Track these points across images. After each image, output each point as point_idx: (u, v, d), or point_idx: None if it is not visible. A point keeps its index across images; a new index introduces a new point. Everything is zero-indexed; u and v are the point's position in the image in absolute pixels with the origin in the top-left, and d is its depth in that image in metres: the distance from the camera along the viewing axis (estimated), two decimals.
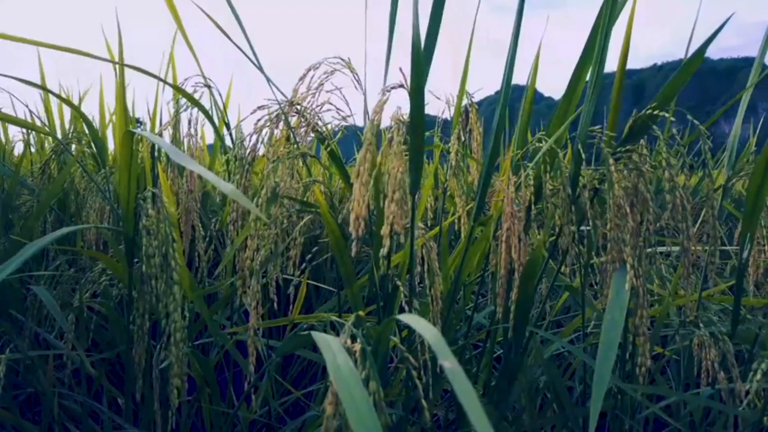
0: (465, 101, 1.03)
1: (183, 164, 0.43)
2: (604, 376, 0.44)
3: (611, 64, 0.65)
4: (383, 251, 0.48)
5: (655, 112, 0.60)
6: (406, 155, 0.55)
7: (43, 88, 0.76)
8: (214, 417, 0.85)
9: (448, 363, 0.29)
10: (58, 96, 0.89)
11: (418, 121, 0.54)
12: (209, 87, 1.04)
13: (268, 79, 0.73)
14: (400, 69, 0.57)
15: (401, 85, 0.58)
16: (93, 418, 0.96)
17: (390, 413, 0.67)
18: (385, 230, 0.48)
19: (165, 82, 0.86)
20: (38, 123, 1.34)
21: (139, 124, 1.58)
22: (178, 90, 0.97)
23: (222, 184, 0.39)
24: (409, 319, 0.38)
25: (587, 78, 0.65)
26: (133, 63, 0.66)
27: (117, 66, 0.67)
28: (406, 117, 0.57)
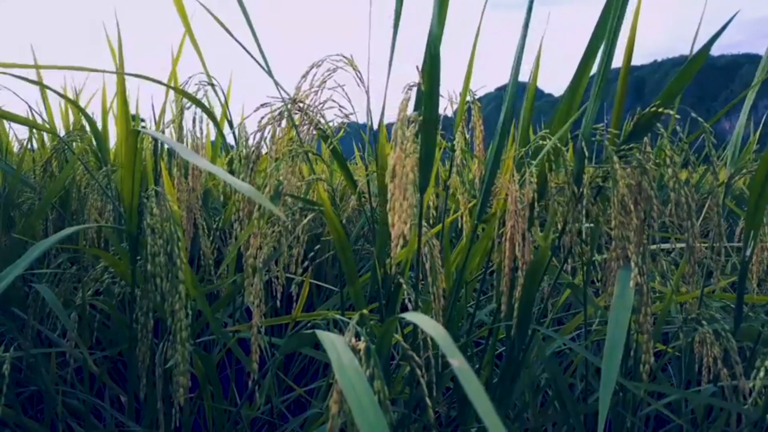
0: (467, 98, 1.03)
1: (191, 161, 0.42)
2: (611, 375, 0.44)
3: (614, 61, 0.65)
4: (395, 251, 0.47)
5: (660, 110, 0.60)
6: (415, 154, 0.54)
7: (43, 85, 0.76)
8: (216, 415, 0.85)
9: (457, 361, 0.29)
10: (60, 93, 0.89)
11: (431, 121, 0.54)
12: (213, 86, 1.03)
13: (270, 73, 0.72)
14: (417, 67, 0.56)
15: (419, 85, 0.57)
16: (96, 415, 0.96)
17: (393, 411, 0.67)
18: (397, 231, 0.47)
19: (168, 86, 0.86)
20: (39, 120, 1.34)
21: (141, 122, 1.57)
22: (181, 93, 0.97)
23: (238, 184, 0.37)
24: (415, 317, 0.38)
25: (590, 74, 0.65)
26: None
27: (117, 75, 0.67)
28: (415, 115, 0.57)
